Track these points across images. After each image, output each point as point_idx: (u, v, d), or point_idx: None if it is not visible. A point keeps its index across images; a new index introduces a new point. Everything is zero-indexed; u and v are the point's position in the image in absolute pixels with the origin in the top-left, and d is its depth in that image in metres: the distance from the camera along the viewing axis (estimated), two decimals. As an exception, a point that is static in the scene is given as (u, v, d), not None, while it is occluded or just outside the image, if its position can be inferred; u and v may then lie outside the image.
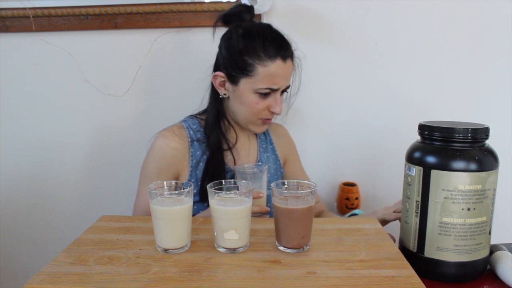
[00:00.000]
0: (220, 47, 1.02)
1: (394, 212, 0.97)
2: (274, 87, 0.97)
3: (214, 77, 1.02)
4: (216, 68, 1.03)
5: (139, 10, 1.23)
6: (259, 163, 0.97)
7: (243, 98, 0.99)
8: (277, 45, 0.97)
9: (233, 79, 0.99)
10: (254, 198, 0.83)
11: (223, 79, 1.01)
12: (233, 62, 0.98)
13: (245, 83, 0.98)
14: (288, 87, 1.03)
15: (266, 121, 1.04)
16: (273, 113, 1.01)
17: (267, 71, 0.96)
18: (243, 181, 0.77)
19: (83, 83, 1.29)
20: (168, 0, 1.24)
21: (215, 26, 1.03)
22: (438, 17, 1.27)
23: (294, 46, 1.02)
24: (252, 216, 0.82)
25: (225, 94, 1.03)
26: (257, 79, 0.96)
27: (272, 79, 0.96)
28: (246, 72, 0.97)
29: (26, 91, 1.31)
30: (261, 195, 0.86)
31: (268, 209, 0.88)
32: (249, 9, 1.03)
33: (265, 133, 1.17)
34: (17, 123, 1.33)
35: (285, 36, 1.01)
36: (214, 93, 1.06)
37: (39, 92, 1.31)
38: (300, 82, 1.13)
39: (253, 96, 0.98)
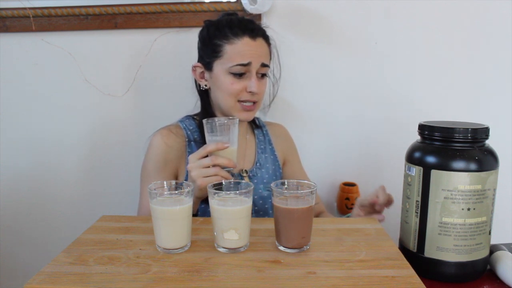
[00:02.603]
0: (197, 44, 1.06)
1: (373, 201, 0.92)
2: (244, 61, 0.97)
3: (193, 69, 1.05)
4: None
5: (139, 10, 1.23)
6: (230, 117, 0.95)
7: (218, 81, 1.00)
8: (243, 25, 0.99)
9: (208, 66, 1.01)
10: (218, 149, 0.83)
11: (201, 70, 1.04)
12: (205, 49, 1.01)
13: (217, 66, 1.00)
14: (265, 66, 1.01)
15: (248, 107, 1.01)
16: (251, 93, 0.99)
17: (235, 48, 0.97)
18: (243, 181, 0.77)
19: (83, 83, 1.29)
20: (168, 0, 1.24)
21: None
22: (438, 17, 1.27)
23: (266, 29, 1.04)
24: (223, 168, 0.83)
25: (206, 85, 1.04)
26: (227, 58, 0.98)
27: (241, 55, 0.97)
28: (216, 54, 0.99)
29: (26, 91, 1.30)
30: (226, 145, 0.84)
31: (235, 165, 0.86)
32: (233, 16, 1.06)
33: (264, 134, 1.17)
34: (17, 123, 1.32)
35: (255, 21, 1.04)
36: (199, 90, 1.08)
37: (39, 92, 1.31)
38: (281, 66, 1.14)
39: (227, 78, 0.99)
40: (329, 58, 1.28)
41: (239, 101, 1.00)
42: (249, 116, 1.04)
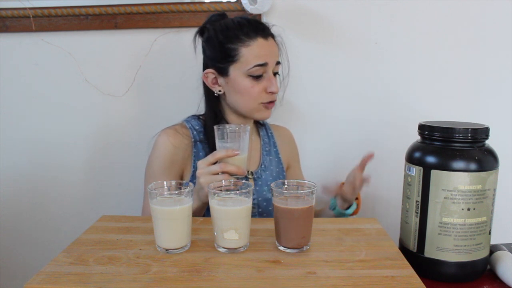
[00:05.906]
0: (203, 49, 1.05)
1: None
2: (261, 62, 0.97)
3: (205, 76, 1.03)
4: (205, 69, 1.04)
5: (139, 10, 1.23)
6: (241, 124, 0.95)
7: (237, 86, 0.99)
8: (254, 26, 0.99)
9: (223, 71, 1.00)
10: (228, 156, 0.82)
11: (214, 76, 1.02)
12: (218, 55, 1.00)
13: (234, 70, 0.99)
14: (278, 64, 1.02)
15: (269, 105, 1.02)
16: (271, 93, 1.00)
17: (251, 50, 0.97)
18: (246, 181, 0.77)
19: (83, 83, 1.29)
20: (168, 0, 1.24)
21: (195, 37, 1.06)
22: (438, 17, 1.26)
23: (272, 27, 1.05)
24: (231, 175, 0.82)
25: (220, 91, 1.03)
26: (244, 61, 0.97)
27: (258, 56, 0.97)
28: (231, 59, 0.98)
29: (26, 91, 1.30)
30: (236, 152, 0.83)
31: (245, 172, 0.85)
32: (223, 17, 1.06)
33: (269, 136, 1.17)
34: (17, 123, 1.32)
35: (262, 20, 1.04)
36: (208, 94, 1.06)
37: (39, 92, 1.31)
38: (289, 62, 1.14)
39: (246, 81, 0.98)
40: (329, 58, 1.28)
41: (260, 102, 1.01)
42: (269, 114, 1.05)
